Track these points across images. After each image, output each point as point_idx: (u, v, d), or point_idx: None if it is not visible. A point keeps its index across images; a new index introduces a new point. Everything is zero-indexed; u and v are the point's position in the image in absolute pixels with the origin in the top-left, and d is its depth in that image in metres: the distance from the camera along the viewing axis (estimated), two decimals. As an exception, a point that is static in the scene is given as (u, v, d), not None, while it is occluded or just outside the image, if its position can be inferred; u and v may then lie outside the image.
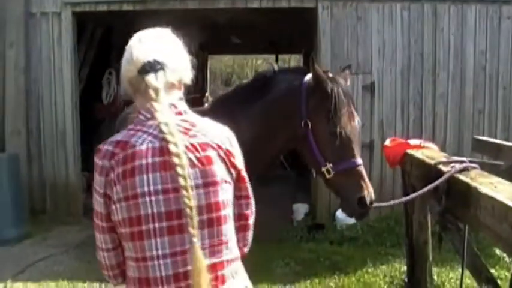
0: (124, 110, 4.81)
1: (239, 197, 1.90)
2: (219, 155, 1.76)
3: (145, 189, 1.67)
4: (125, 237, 1.73)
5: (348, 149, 2.95)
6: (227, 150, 1.80)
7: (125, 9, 7.92)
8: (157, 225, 1.67)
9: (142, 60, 1.78)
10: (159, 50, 1.81)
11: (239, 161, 1.87)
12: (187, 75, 1.91)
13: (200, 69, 19.83)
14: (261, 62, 35.35)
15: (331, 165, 2.94)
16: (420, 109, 7.41)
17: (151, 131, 1.73)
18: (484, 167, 3.48)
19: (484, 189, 2.77)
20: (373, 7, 7.35)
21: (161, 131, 1.68)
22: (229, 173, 1.80)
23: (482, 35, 7.34)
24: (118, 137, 1.77)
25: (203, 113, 3.37)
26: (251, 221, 2.00)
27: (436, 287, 4.80)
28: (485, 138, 5.77)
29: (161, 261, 1.68)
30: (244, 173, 1.90)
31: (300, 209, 7.81)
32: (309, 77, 3.05)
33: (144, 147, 1.70)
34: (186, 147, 1.70)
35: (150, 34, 1.89)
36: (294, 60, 31.02)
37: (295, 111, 3.05)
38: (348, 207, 3.05)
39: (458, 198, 3.17)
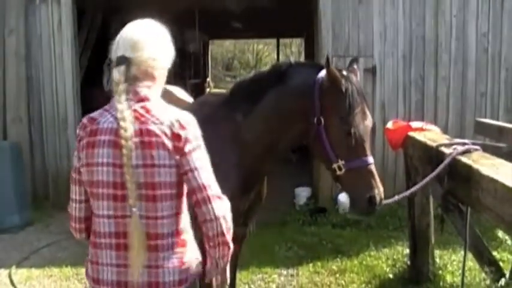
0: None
1: (187, 171, 2.04)
2: (163, 142, 1.99)
3: (100, 160, 2.03)
4: (89, 194, 2.12)
5: (361, 148, 3.03)
6: (174, 134, 2.01)
7: (125, -6, 7.89)
8: (105, 191, 2.04)
9: (116, 54, 2.09)
10: (133, 45, 2.08)
11: (192, 138, 2.04)
12: (160, 66, 2.16)
13: (201, 54, 19.77)
14: (262, 47, 35.25)
15: (343, 162, 2.99)
16: (422, 92, 7.37)
17: (114, 113, 2.05)
18: (486, 149, 3.48)
19: (486, 171, 2.77)
20: (374, -11, 7.28)
21: (116, 117, 2.01)
22: (172, 158, 2.01)
23: (484, 17, 7.27)
24: (93, 114, 2.14)
25: (224, 97, 3.46)
26: (210, 192, 2.04)
27: (438, 269, 4.81)
28: (487, 120, 5.76)
29: (106, 220, 2.06)
30: (195, 146, 2.04)
31: (302, 193, 7.80)
32: (323, 73, 3.05)
33: (105, 125, 2.05)
34: (135, 131, 1.99)
35: (133, 28, 2.14)
36: (295, 45, 30.94)
37: (309, 108, 3.07)
38: (357, 205, 3.10)
39: (460, 180, 3.17)
